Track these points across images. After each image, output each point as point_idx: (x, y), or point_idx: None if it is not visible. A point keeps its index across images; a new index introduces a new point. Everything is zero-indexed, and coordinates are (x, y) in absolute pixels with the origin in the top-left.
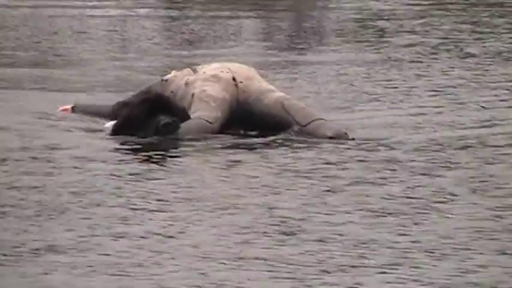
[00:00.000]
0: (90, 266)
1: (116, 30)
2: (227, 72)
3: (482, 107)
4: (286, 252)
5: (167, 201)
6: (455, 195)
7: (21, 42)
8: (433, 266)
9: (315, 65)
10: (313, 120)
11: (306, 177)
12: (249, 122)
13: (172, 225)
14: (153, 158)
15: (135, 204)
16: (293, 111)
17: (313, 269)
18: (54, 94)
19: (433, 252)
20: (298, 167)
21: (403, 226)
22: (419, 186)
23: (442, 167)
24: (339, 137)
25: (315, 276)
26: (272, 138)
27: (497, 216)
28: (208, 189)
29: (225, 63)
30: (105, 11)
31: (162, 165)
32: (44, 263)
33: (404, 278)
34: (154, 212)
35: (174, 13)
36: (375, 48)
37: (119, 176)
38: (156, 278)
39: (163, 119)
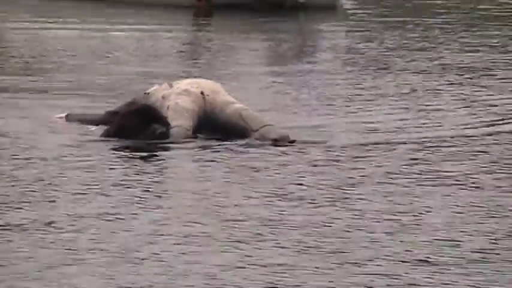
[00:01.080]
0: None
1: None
2: (196, 88)
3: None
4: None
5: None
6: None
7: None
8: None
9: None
10: (263, 126)
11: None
12: (214, 129)
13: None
14: (148, 157)
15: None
16: (248, 120)
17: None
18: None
19: None
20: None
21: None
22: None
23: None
24: (282, 139)
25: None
26: (228, 143)
27: None
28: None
29: (195, 79)
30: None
31: (154, 163)
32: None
33: None
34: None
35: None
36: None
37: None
38: None
39: (159, 128)
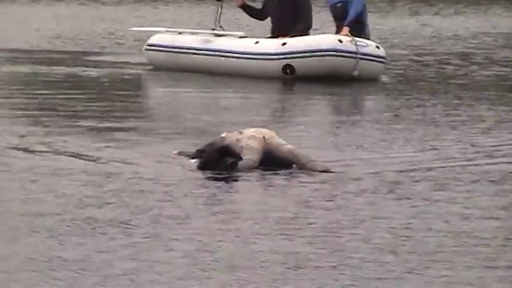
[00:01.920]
0: None
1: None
2: (259, 134)
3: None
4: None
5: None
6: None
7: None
8: None
9: None
10: (310, 161)
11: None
12: (272, 162)
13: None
14: (223, 180)
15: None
16: (299, 156)
17: None
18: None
19: None
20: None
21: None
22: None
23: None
24: (325, 171)
25: None
26: (285, 171)
27: None
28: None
29: (257, 128)
30: None
31: (226, 185)
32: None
33: None
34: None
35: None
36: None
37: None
38: None
39: (230, 160)
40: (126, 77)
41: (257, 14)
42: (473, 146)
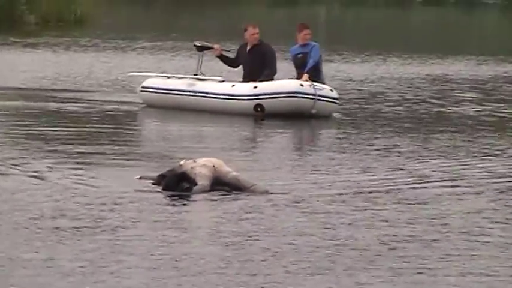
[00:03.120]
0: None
1: None
2: (210, 163)
3: None
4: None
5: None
6: None
7: None
8: None
9: None
10: (252, 185)
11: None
12: (220, 187)
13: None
14: (178, 201)
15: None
16: (242, 181)
17: None
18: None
19: None
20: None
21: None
22: None
23: None
24: (265, 192)
25: None
26: (232, 194)
27: None
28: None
29: (209, 158)
30: None
31: (177, 205)
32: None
33: None
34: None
35: None
36: None
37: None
38: None
39: (185, 185)
40: (118, 112)
41: (231, 63)
42: (400, 170)
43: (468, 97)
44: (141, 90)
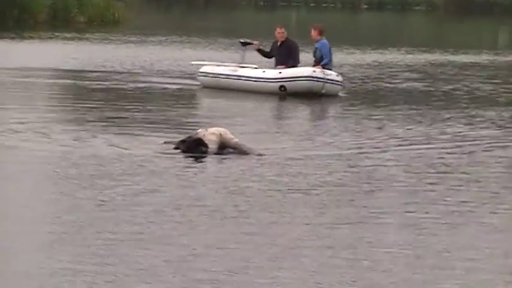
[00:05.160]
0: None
1: None
2: (217, 131)
3: None
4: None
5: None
6: None
7: None
8: None
9: None
10: (248, 149)
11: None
12: (225, 150)
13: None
14: (191, 159)
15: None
16: (242, 146)
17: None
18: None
19: None
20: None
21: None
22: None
23: None
24: (259, 154)
25: None
26: (228, 155)
27: None
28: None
29: (216, 128)
30: None
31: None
32: None
33: None
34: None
35: None
36: None
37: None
38: None
39: (203, 148)
40: (179, 93)
41: (267, 55)
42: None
43: (403, 76)
44: (199, 75)
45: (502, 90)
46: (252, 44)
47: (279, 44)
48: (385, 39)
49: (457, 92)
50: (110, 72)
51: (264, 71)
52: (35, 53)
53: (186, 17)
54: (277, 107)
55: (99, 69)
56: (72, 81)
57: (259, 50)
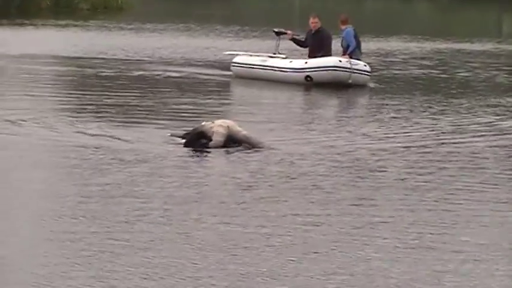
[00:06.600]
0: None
1: None
2: (225, 124)
3: None
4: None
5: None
6: None
7: None
8: None
9: None
10: (258, 142)
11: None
12: (234, 143)
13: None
14: (196, 153)
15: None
16: (250, 139)
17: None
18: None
19: None
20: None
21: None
22: None
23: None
24: (268, 148)
25: None
26: (237, 148)
27: None
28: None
29: (224, 120)
30: None
31: (198, 156)
32: None
33: None
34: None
35: None
36: None
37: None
38: None
39: (202, 141)
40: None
41: (301, 44)
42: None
43: (404, 61)
44: (233, 65)
45: None
46: (285, 33)
47: (312, 33)
48: (388, 27)
49: (474, 81)
50: (123, 60)
51: (291, 61)
52: (37, 40)
53: (190, 4)
54: (301, 97)
55: (102, 57)
56: (76, 69)
57: (293, 39)
